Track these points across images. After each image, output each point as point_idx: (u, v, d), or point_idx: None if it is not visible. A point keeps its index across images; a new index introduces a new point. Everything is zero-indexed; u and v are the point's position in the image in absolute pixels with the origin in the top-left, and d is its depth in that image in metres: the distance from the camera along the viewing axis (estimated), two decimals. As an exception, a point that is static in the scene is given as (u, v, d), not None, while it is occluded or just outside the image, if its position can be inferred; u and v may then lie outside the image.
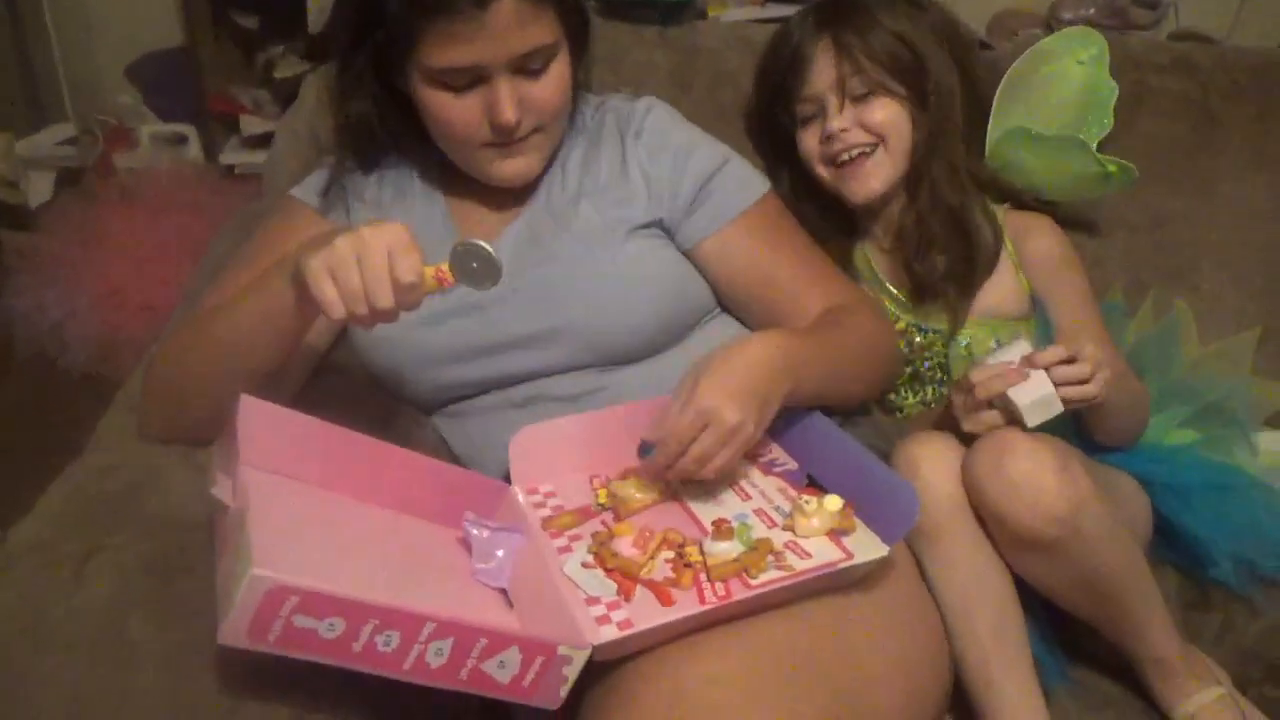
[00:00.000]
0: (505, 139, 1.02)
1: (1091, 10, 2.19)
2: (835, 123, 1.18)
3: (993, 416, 1.00)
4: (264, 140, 2.23)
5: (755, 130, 1.37)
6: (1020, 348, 1.01)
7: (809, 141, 1.22)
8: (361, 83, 1.06)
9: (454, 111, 1.00)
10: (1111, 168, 1.22)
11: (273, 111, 2.31)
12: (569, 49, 1.05)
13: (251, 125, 2.33)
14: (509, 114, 0.99)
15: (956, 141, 1.22)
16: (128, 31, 2.40)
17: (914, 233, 1.22)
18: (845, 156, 1.20)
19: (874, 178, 1.20)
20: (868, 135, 1.19)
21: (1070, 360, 0.98)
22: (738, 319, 1.15)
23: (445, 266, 0.83)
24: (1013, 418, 0.99)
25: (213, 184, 2.30)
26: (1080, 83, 1.33)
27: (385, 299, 0.80)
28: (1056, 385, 0.97)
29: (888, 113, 1.18)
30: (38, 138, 2.36)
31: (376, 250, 0.80)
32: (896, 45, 1.18)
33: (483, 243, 0.83)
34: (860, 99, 1.18)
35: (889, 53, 1.17)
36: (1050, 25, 2.08)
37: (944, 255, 1.20)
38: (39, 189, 2.32)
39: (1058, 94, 1.31)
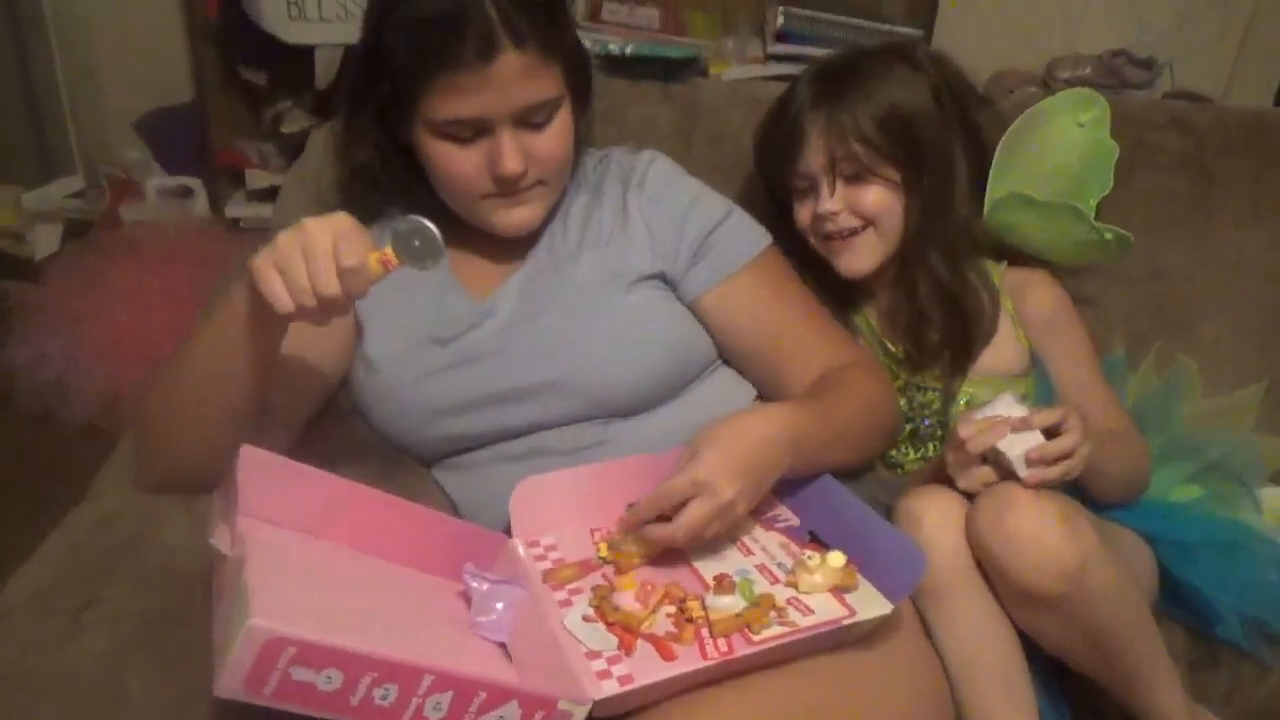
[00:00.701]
0: (508, 190, 1.03)
1: (1088, 69, 2.22)
2: (825, 205, 1.17)
3: (985, 473, 0.99)
4: (270, 194, 2.25)
5: (756, 189, 1.38)
6: (1006, 402, 1.00)
7: (802, 214, 1.22)
8: (365, 133, 1.07)
9: (457, 163, 1.01)
10: (1108, 235, 1.22)
11: (278, 165, 2.33)
12: (572, 102, 1.06)
13: (257, 179, 2.35)
14: (512, 165, 0.99)
15: (952, 220, 1.21)
16: (137, 87, 2.43)
17: (905, 308, 1.22)
18: (836, 235, 1.19)
19: (863, 257, 1.20)
20: (857, 219, 1.18)
21: (1057, 428, 0.97)
22: (739, 372, 1.15)
23: (389, 249, 0.82)
24: (1006, 472, 0.98)
25: (217, 236, 2.31)
26: (1080, 144, 1.33)
27: (331, 286, 0.78)
28: (1032, 464, 0.96)
29: (878, 197, 1.17)
30: (46, 190, 2.37)
31: (320, 239, 0.79)
32: (891, 123, 1.16)
33: (424, 220, 0.82)
34: (852, 180, 1.17)
35: (884, 132, 1.15)
36: (1047, 84, 2.11)
37: (938, 332, 1.20)
38: (46, 241, 2.33)
39: (1057, 156, 1.31)
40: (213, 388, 0.91)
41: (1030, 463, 0.95)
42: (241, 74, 2.29)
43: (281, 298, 0.79)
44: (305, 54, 2.07)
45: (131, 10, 2.35)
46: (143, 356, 2.07)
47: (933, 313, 1.20)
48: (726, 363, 1.15)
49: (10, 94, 2.32)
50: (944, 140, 1.19)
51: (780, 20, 2.05)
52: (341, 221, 0.81)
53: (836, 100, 1.17)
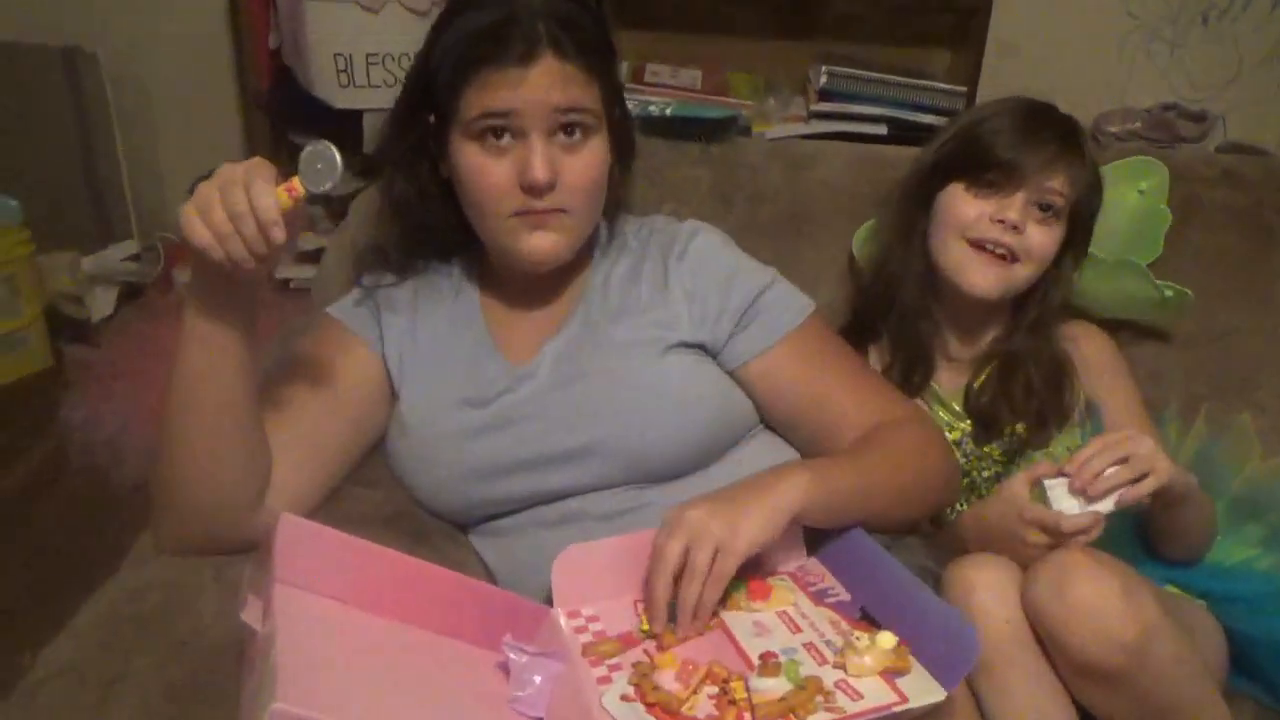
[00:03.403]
0: (535, 200, 1.01)
1: (1138, 124, 2.20)
2: (1013, 214, 1.16)
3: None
4: (318, 255, 2.28)
5: (797, 250, 1.37)
6: (1056, 488, 1.00)
7: (969, 207, 1.19)
8: (406, 164, 1.09)
9: (488, 173, 1.01)
10: (1168, 293, 1.21)
11: (326, 227, 2.37)
12: (611, 144, 1.06)
13: (306, 241, 2.39)
14: (540, 171, 0.99)
15: (1070, 289, 1.24)
16: (193, 152, 2.49)
17: (1001, 377, 1.22)
18: (991, 246, 1.18)
19: (1000, 282, 1.19)
20: (1018, 246, 1.17)
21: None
22: (783, 437, 1.13)
23: (295, 179, 0.85)
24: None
25: (266, 297, 2.35)
26: (1135, 210, 1.33)
27: (240, 203, 0.81)
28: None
29: (1049, 240, 1.19)
30: (103, 254, 2.43)
31: (231, 173, 0.83)
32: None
33: (325, 142, 0.85)
34: (1041, 211, 1.18)
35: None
36: (1095, 138, 2.09)
37: (1037, 390, 1.20)
38: (102, 304, 2.38)
39: (1110, 218, 1.30)
40: (198, 409, 0.92)
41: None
42: (292, 139, 2.33)
43: (201, 232, 0.83)
44: (354, 119, 2.11)
45: (188, 79, 2.42)
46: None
47: (1037, 383, 1.20)
48: (767, 427, 1.13)
49: (71, 161, 2.39)
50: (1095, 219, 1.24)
51: (823, 79, 2.05)
52: (252, 161, 0.85)
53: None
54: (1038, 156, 1.16)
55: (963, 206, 1.19)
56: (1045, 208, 1.17)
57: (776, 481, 0.93)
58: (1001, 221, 1.16)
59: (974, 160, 1.19)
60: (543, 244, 1.04)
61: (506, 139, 1.00)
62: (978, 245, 1.18)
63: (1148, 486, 0.97)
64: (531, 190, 1.00)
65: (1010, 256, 1.18)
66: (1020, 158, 1.16)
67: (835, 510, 0.96)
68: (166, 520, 0.98)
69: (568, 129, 1.01)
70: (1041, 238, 1.18)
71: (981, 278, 1.18)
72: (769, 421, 1.12)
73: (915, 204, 1.25)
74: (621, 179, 1.12)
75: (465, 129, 1.01)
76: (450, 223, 1.10)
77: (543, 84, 0.98)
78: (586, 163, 1.03)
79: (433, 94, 1.03)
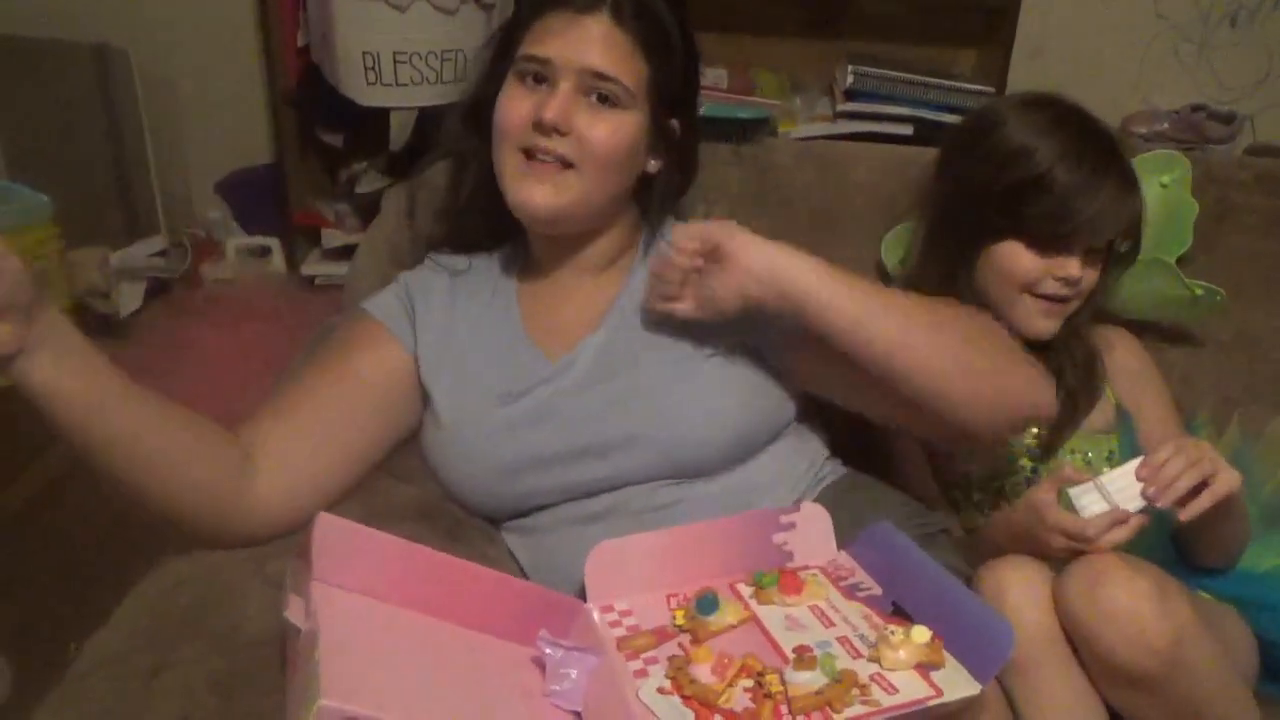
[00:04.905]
0: (540, 138, 1.03)
1: (1165, 125, 2.19)
2: (1072, 270, 1.15)
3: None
4: (344, 253, 2.29)
5: (826, 249, 1.36)
6: (1089, 493, 0.99)
7: (1028, 262, 1.16)
8: (471, 106, 1.13)
9: (513, 104, 1.05)
10: (1198, 291, 1.21)
11: (354, 225, 2.38)
12: (651, 132, 1.08)
13: (333, 238, 2.40)
14: (551, 112, 1.01)
15: (1107, 295, 1.24)
16: (220, 150, 2.51)
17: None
18: (1052, 297, 1.18)
19: (1057, 323, 1.19)
20: (1077, 289, 1.18)
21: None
22: (823, 421, 1.13)
23: None
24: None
25: (292, 294, 2.37)
26: (1161, 204, 1.32)
27: None
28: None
29: (1096, 274, 1.19)
30: (131, 250, 2.44)
31: None
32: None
33: None
34: (1091, 255, 1.18)
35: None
36: (1122, 139, 2.08)
37: (1066, 390, 1.18)
38: (130, 299, 2.39)
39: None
40: (110, 452, 0.93)
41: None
42: (320, 137, 2.35)
43: None
44: (381, 117, 2.12)
45: (217, 76, 2.44)
46: (218, 413, 2.10)
47: (1069, 374, 1.19)
48: (799, 422, 1.13)
49: (101, 158, 2.41)
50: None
51: (850, 79, 2.05)
52: None
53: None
54: (1102, 214, 1.14)
55: (1024, 263, 1.17)
56: (1096, 253, 1.18)
57: (801, 258, 0.97)
58: (1064, 280, 1.16)
59: (1034, 222, 1.15)
60: (534, 194, 1.05)
61: (544, 86, 1.04)
62: (1037, 295, 1.18)
63: (1223, 487, 0.96)
64: (539, 127, 1.02)
65: (1070, 298, 1.18)
66: (1085, 219, 1.14)
67: (854, 307, 0.95)
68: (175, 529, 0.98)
69: (601, 96, 1.04)
70: (1094, 274, 1.18)
71: (1044, 326, 1.19)
72: (819, 385, 1.10)
73: (960, 251, 1.21)
74: (674, 190, 1.15)
75: (514, 65, 1.06)
76: (487, 172, 1.11)
77: (587, 39, 1.02)
78: (606, 127, 1.04)
79: (509, 40, 1.08)
